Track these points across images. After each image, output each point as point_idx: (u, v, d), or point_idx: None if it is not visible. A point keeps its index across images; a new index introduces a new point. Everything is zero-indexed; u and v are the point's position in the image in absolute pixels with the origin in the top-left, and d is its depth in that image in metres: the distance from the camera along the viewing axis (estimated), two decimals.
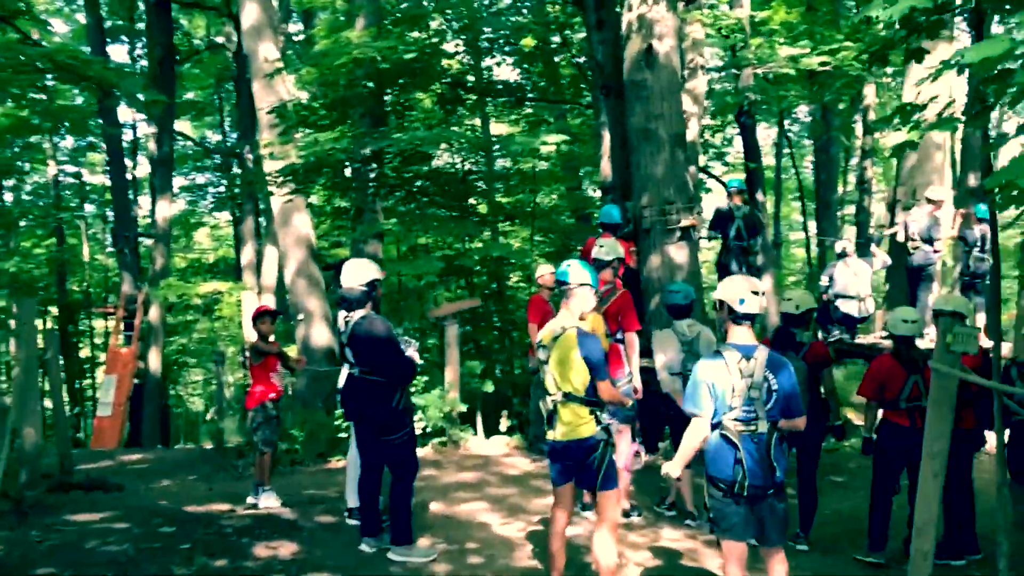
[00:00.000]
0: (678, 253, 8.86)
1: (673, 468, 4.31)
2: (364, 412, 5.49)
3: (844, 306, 10.29)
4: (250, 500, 6.96)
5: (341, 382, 6.31)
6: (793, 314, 6.27)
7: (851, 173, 27.64)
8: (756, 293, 4.31)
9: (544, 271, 9.44)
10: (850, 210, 29.04)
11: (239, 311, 20.14)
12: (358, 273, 5.48)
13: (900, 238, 10.51)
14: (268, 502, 6.87)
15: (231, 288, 19.95)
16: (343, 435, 9.17)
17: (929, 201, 10.35)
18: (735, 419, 4.17)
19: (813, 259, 23.24)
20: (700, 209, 9.56)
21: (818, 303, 10.67)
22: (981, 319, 11.31)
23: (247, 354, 7.15)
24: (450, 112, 14.57)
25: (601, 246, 6.68)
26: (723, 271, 9.49)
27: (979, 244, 11.09)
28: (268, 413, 6.98)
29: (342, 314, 5.65)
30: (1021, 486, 5.48)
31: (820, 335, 10.51)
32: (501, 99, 15.49)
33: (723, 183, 20.99)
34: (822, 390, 6.31)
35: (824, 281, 10.73)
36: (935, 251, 10.28)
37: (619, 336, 6.60)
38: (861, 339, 10.48)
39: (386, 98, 11.89)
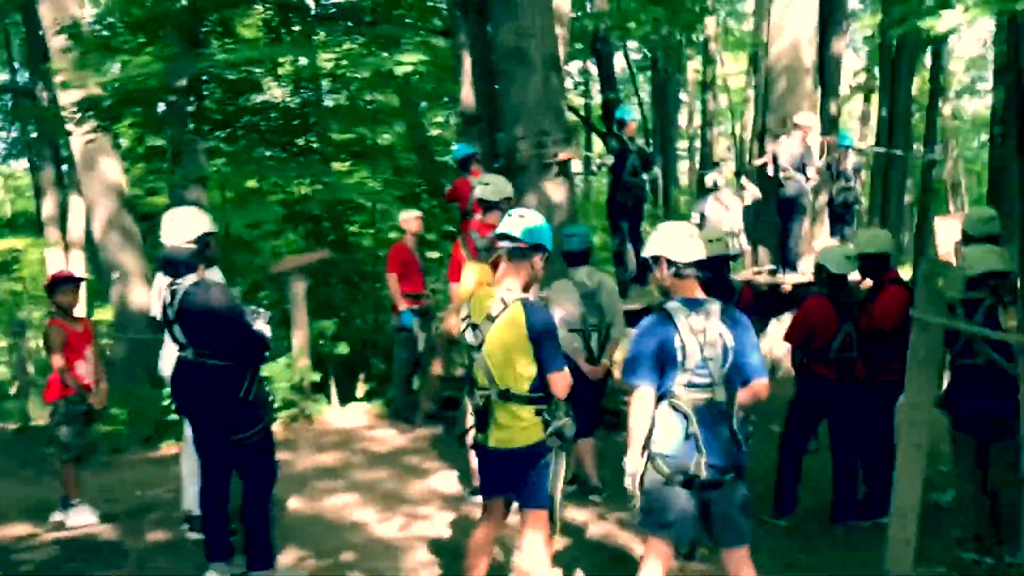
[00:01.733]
0: (556, 191, 7.90)
1: (632, 463, 3.39)
2: (203, 406, 4.24)
3: None
4: (56, 517, 5.52)
5: (165, 366, 5.01)
6: (727, 255, 5.49)
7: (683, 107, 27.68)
8: (694, 237, 3.48)
9: (409, 215, 8.37)
10: (684, 144, 29.35)
11: (43, 270, 17.80)
12: (184, 227, 4.19)
13: (770, 169, 10.02)
14: (79, 519, 5.47)
15: (31, 244, 17.53)
16: (175, 416, 7.77)
17: (797, 127, 9.90)
18: (686, 385, 3.33)
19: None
20: (577, 141, 8.66)
21: None
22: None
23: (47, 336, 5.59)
24: (276, 40, 12.87)
25: (487, 183, 5.63)
26: (617, 211, 8.66)
27: (844, 174, 10.82)
28: (72, 409, 5.51)
29: (162, 280, 4.35)
30: (964, 433, 4.97)
31: None
32: (336, 22, 13.87)
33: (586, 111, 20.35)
34: None
35: (695, 218, 10.16)
36: (808, 180, 9.86)
37: None
38: (733, 277, 9.97)
39: (203, 20, 10.19)
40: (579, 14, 13.97)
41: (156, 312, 5.16)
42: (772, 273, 10.19)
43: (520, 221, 3.71)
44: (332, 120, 11.98)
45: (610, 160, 8.54)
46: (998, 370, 4.45)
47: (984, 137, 31.24)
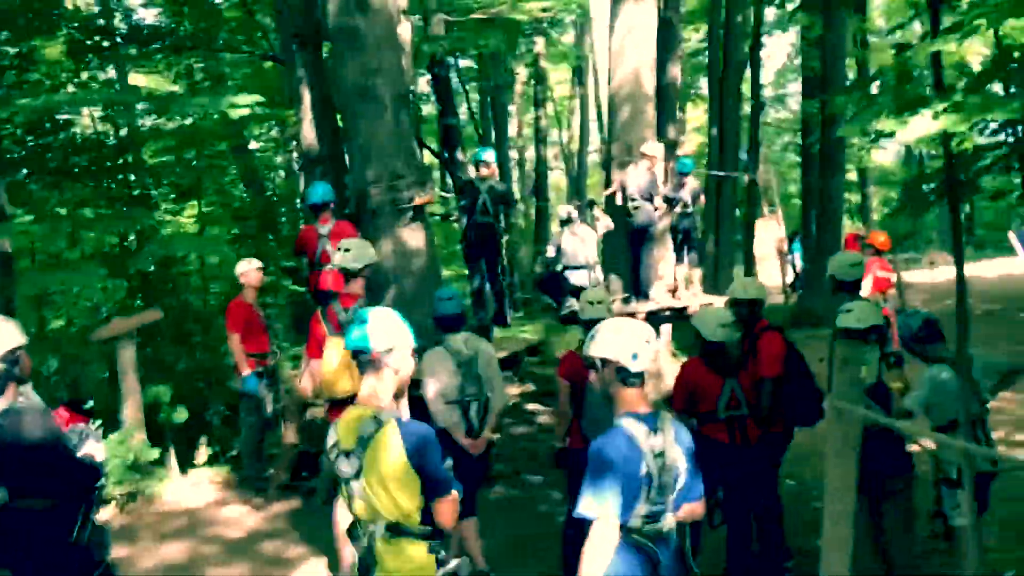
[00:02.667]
0: (412, 237, 7.45)
1: None
2: (25, 556, 3.49)
3: (574, 277, 9.62)
4: None
5: None
6: (604, 318, 5.18)
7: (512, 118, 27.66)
8: (651, 342, 3.10)
9: (247, 267, 7.60)
10: (514, 154, 29.42)
11: None
12: None
13: (619, 199, 9.97)
14: None
15: None
16: None
17: (644, 156, 9.90)
18: (645, 516, 2.96)
19: None
20: (432, 183, 8.21)
21: (547, 272, 9.92)
22: (697, 275, 11.29)
23: None
24: (83, 65, 11.66)
25: (346, 249, 5.10)
26: (472, 250, 8.28)
27: (683, 200, 10.92)
28: None
29: None
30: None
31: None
32: (149, 47, 12.76)
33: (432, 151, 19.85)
34: None
35: (551, 252, 10.00)
36: (656, 209, 9.88)
37: None
38: None
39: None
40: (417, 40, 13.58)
41: None
42: (625, 301, 10.14)
43: (364, 329, 3.15)
44: (151, 145, 10.88)
45: (455, 214, 8.25)
46: (887, 431, 4.39)
47: (786, 139, 33.28)
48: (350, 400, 5.00)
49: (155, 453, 7.34)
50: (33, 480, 3.41)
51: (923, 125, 2.00)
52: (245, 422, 7.59)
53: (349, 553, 5.21)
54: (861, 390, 3.38)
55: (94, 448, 3.69)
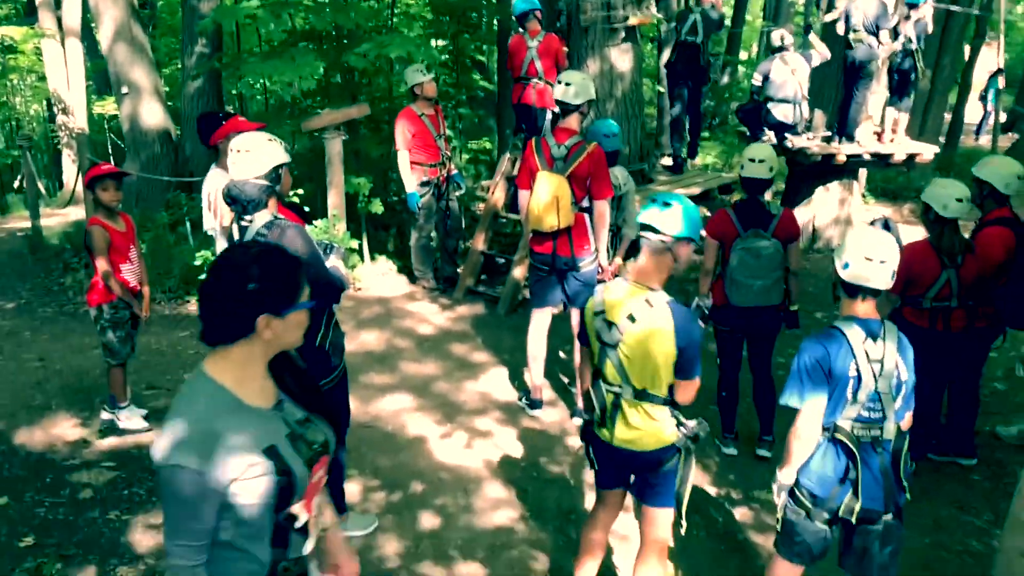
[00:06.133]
0: (621, 58, 7.22)
1: (786, 476, 3.15)
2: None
3: (778, 111, 9.06)
4: (104, 416, 5.31)
5: None
6: (763, 179, 4.99)
7: None
8: (886, 263, 3.05)
9: (422, 78, 7.40)
10: None
11: (40, 61, 16.75)
12: (255, 160, 3.63)
13: (840, 29, 9.15)
14: (131, 422, 5.26)
15: (27, 35, 16.33)
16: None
17: None
18: (855, 419, 3.02)
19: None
20: (648, 2, 7.73)
21: (750, 102, 9.43)
22: (904, 120, 10.39)
23: (89, 237, 5.04)
24: None
25: (568, 83, 5.01)
26: (676, 76, 7.96)
27: (904, 35, 9.83)
28: (118, 315, 5.05)
29: (216, 180, 3.87)
30: None
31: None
32: None
33: None
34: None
35: (757, 80, 9.37)
36: (880, 44, 9.02)
37: (584, 204, 5.17)
38: (790, 142, 9.34)
39: None
40: None
41: (209, 225, 4.73)
42: (827, 140, 9.58)
43: (668, 212, 3.19)
44: None
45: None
46: None
47: None
48: (551, 233, 5.16)
49: (355, 243, 7.81)
50: None
51: None
52: (418, 229, 7.78)
53: (536, 376, 5.58)
54: None
55: (338, 263, 3.97)
